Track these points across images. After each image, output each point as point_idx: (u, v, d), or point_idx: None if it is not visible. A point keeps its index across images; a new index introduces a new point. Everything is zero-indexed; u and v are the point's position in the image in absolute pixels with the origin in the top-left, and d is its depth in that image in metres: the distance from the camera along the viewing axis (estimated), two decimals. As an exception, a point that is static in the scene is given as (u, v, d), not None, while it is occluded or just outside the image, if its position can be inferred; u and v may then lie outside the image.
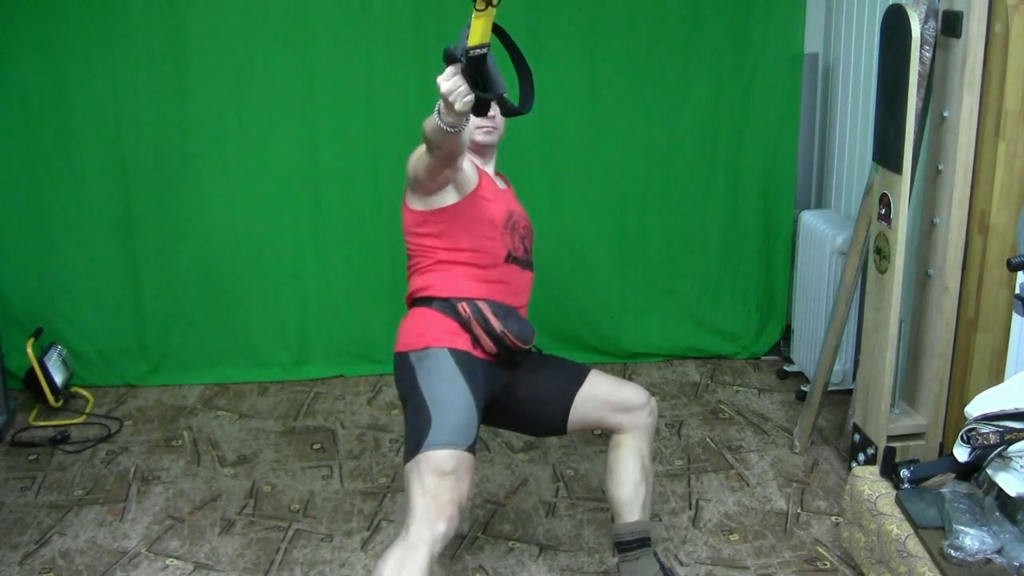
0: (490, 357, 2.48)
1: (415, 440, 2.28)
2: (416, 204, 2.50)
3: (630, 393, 2.60)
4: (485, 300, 2.47)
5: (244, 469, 3.35)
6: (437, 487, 2.21)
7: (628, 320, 4.08)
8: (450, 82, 1.97)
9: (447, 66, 1.99)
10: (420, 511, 2.19)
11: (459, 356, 2.42)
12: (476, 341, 2.45)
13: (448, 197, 2.47)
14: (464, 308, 2.46)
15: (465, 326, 2.45)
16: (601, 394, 2.58)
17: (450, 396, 2.34)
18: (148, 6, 3.61)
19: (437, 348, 2.42)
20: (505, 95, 2.06)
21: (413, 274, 2.56)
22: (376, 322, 3.97)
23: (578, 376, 2.60)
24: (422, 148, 2.32)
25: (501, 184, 2.64)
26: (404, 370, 2.44)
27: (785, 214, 4.01)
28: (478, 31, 1.90)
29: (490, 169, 2.61)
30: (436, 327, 2.45)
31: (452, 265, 2.49)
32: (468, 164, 2.49)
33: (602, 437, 3.48)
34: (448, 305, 2.47)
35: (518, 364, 2.56)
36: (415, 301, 2.54)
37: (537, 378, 2.59)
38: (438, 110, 2.07)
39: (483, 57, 1.94)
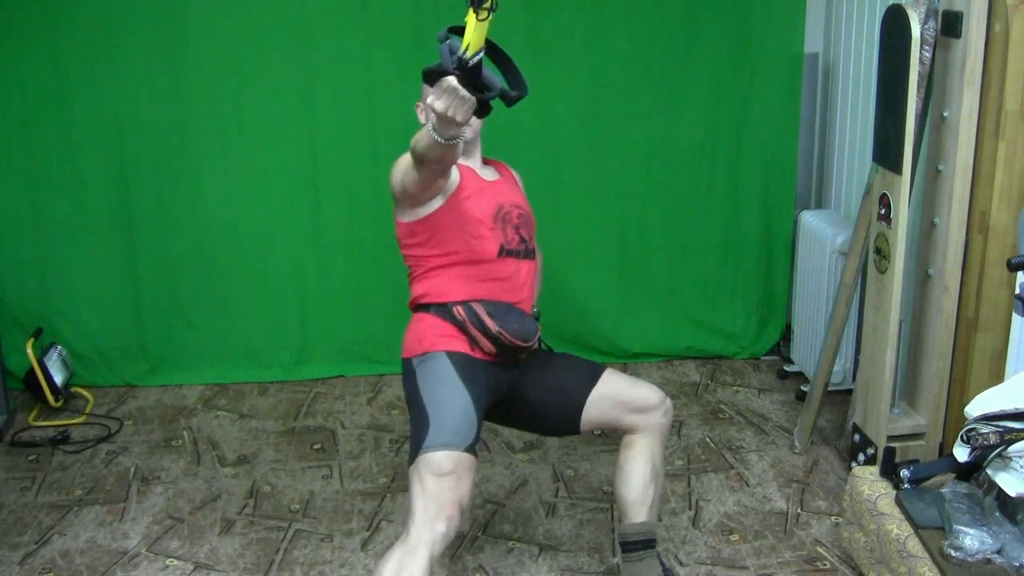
0: (491, 357, 2.47)
1: (415, 443, 2.30)
2: (405, 216, 2.52)
3: (645, 393, 2.57)
4: (480, 300, 2.46)
5: (244, 469, 3.35)
6: (436, 488, 2.21)
7: (628, 320, 4.08)
8: (442, 100, 1.94)
9: (429, 86, 1.97)
10: (420, 512, 2.20)
11: (457, 359, 2.42)
12: (474, 343, 2.45)
13: (434, 203, 2.47)
14: (459, 311, 2.45)
15: (462, 328, 2.45)
16: (615, 394, 2.54)
17: (447, 398, 2.35)
18: (148, 6, 3.61)
19: (435, 352, 2.43)
20: (502, 87, 2.05)
21: (412, 282, 2.57)
22: (376, 322, 3.97)
23: (592, 375, 2.57)
24: (405, 163, 2.32)
25: (490, 175, 2.62)
26: (408, 376, 2.46)
27: (785, 214, 4.01)
28: (476, 38, 1.90)
29: (475, 163, 2.59)
30: (432, 332, 2.46)
31: (444, 269, 2.50)
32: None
33: (602, 437, 3.48)
34: (444, 310, 2.47)
35: (525, 361, 2.54)
36: (416, 308, 2.56)
37: (549, 376, 2.57)
38: (433, 127, 2.03)
39: (481, 62, 1.94)
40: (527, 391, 2.55)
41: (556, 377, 2.57)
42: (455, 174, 2.50)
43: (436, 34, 1.98)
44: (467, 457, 2.27)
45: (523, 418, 2.63)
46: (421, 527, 2.18)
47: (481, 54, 1.93)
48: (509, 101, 2.16)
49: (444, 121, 1.98)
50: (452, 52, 1.94)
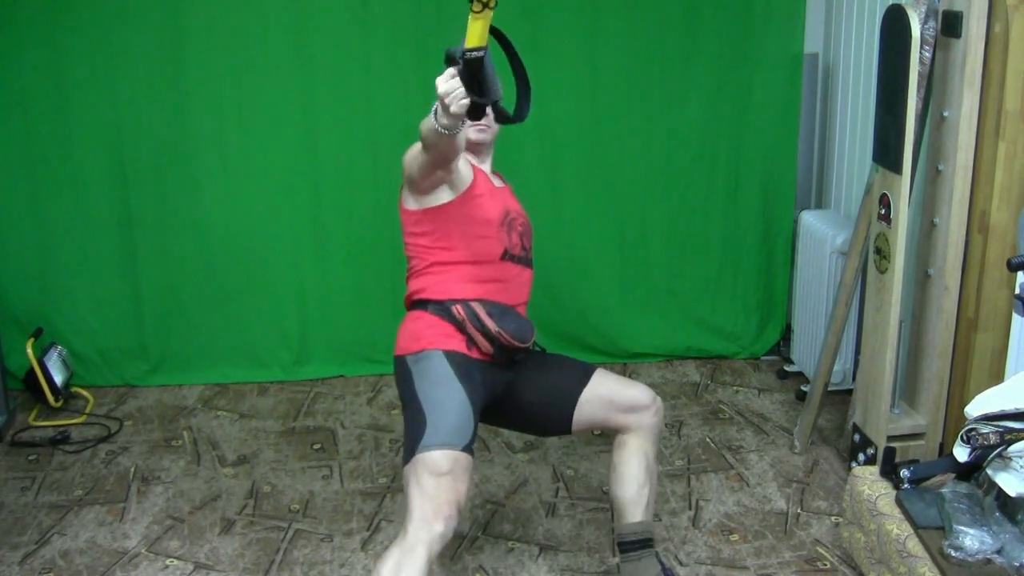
0: (487, 357, 2.46)
1: (412, 442, 2.28)
2: (411, 203, 2.50)
3: (636, 393, 2.58)
4: (480, 300, 2.46)
5: (244, 469, 3.35)
6: (434, 488, 2.21)
7: (628, 320, 4.08)
8: (448, 84, 1.97)
9: (447, 67, 1.98)
10: (417, 512, 2.19)
11: (454, 358, 2.41)
12: (472, 342, 2.44)
13: (442, 196, 2.46)
14: (458, 310, 2.44)
15: (460, 328, 2.44)
16: (606, 394, 2.55)
17: (445, 397, 2.33)
18: (148, 6, 3.61)
19: (432, 350, 2.42)
20: (499, 102, 2.05)
21: (411, 277, 2.55)
22: (376, 322, 3.97)
23: (583, 375, 2.57)
24: (418, 146, 2.32)
25: (497, 182, 2.63)
26: (402, 374, 2.44)
27: (785, 214, 4.01)
28: (475, 33, 1.90)
29: (486, 167, 2.60)
30: (431, 330, 2.45)
31: (447, 266, 2.48)
32: (463, 163, 2.47)
33: (602, 437, 3.48)
34: (442, 308, 2.46)
35: (519, 363, 2.54)
36: (412, 304, 2.54)
37: (541, 377, 2.57)
38: (435, 111, 2.06)
39: (479, 60, 1.92)
40: (521, 392, 2.55)
41: (549, 378, 2.57)
42: (467, 171, 2.48)
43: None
44: (464, 457, 2.27)
45: (516, 419, 2.64)
46: (419, 527, 2.17)
47: (480, 53, 1.91)
48: (499, 117, 2.16)
49: (442, 106, 2.00)
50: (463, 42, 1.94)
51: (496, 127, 2.57)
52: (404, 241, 2.56)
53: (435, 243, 2.49)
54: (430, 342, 2.43)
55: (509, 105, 2.15)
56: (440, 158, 2.26)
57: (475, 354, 2.44)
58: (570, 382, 2.56)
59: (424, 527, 2.17)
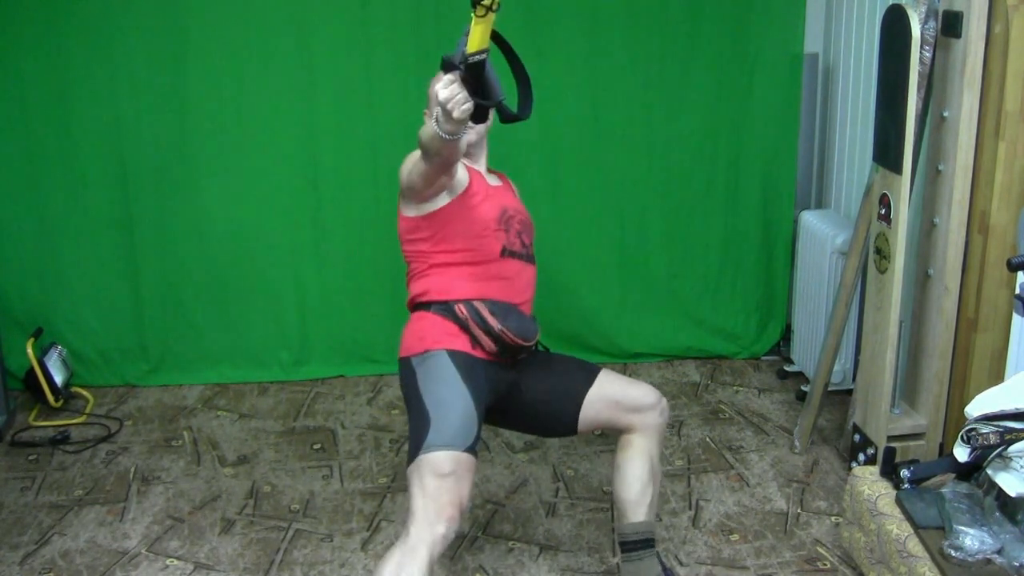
0: (492, 357, 2.47)
1: (415, 443, 2.29)
2: (410, 211, 2.51)
3: (641, 392, 2.59)
4: (482, 300, 2.47)
5: (244, 469, 3.35)
6: (437, 489, 2.21)
7: (628, 320, 4.08)
8: (448, 90, 1.97)
9: (444, 74, 1.98)
10: (420, 513, 2.20)
11: (458, 358, 2.42)
12: (476, 341, 2.45)
13: (440, 200, 2.47)
14: (461, 309, 2.45)
15: (463, 327, 2.45)
16: (611, 394, 2.56)
17: (449, 398, 2.34)
18: (148, 6, 3.61)
19: (436, 351, 2.42)
20: (503, 101, 2.06)
21: (412, 280, 2.56)
22: (376, 322, 3.97)
23: (588, 376, 2.58)
24: (415, 156, 2.33)
25: (494, 180, 2.64)
26: (407, 375, 2.45)
27: (785, 214, 4.01)
28: (477, 37, 1.90)
29: (481, 167, 2.61)
30: (435, 330, 2.45)
31: (447, 267, 2.50)
32: (459, 165, 2.48)
33: (602, 437, 3.48)
34: (445, 308, 2.47)
35: (523, 362, 2.55)
36: (415, 306, 2.55)
37: (546, 378, 2.57)
38: (436, 119, 2.06)
39: (482, 63, 1.93)
40: (525, 392, 2.55)
41: (553, 379, 2.57)
42: (464, 175, 2.50)
43: (464, 27, 1.97)
44: (467, 458, 2.28)
45: (521, 420, 2.64)
46: (421, 528, 2.18)
47: (482, 56, 1.92)
48: (504, 117, 2.17)
49: (444, 113, 2.01)
50: (461, 47, 1.95)
51: (483, 128, 2.56)
52: (403, 249, 2.57)
53: (435, 246, 2.50)
54: (435, 341, 2.44)
55: (512, 104, 2.16)
56: (443, 164, 2.26)
57: (479, 353, 2.45)
58: (576, 382, 2.57)
59: (426, 528, 2.18)
